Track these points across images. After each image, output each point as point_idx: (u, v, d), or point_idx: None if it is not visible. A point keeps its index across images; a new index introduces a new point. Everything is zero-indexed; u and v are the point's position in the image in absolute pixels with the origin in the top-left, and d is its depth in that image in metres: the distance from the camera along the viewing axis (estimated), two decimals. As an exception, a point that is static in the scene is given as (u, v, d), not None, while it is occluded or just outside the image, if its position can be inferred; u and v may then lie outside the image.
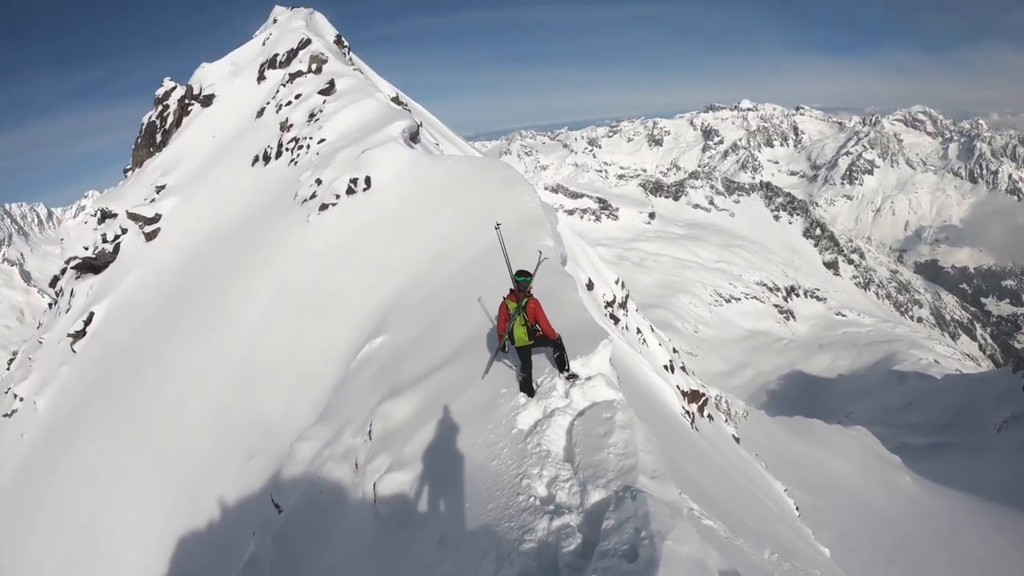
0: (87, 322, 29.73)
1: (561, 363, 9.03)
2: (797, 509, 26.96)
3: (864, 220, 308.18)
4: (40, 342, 33.29)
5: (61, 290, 37.42)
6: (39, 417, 25.49)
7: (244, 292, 22.48)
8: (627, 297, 29.62)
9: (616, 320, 26.56)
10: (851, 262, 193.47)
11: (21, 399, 28.87)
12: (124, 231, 34.65)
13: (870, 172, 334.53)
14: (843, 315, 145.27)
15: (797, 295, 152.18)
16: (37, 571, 17.38)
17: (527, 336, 8.79)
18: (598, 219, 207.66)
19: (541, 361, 9.43)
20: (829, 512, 30.15)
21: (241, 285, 23.04)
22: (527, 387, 8.93)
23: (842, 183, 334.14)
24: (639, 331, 29.25)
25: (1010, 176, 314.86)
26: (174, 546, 14.76)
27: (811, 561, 19.06)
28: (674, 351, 33.15)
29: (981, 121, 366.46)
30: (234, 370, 19.15)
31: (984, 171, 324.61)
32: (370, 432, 10.86)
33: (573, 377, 8.92)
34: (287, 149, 33.05)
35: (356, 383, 13.63)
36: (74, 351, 28.42)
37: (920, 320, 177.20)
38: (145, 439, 18.94)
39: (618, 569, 4.83)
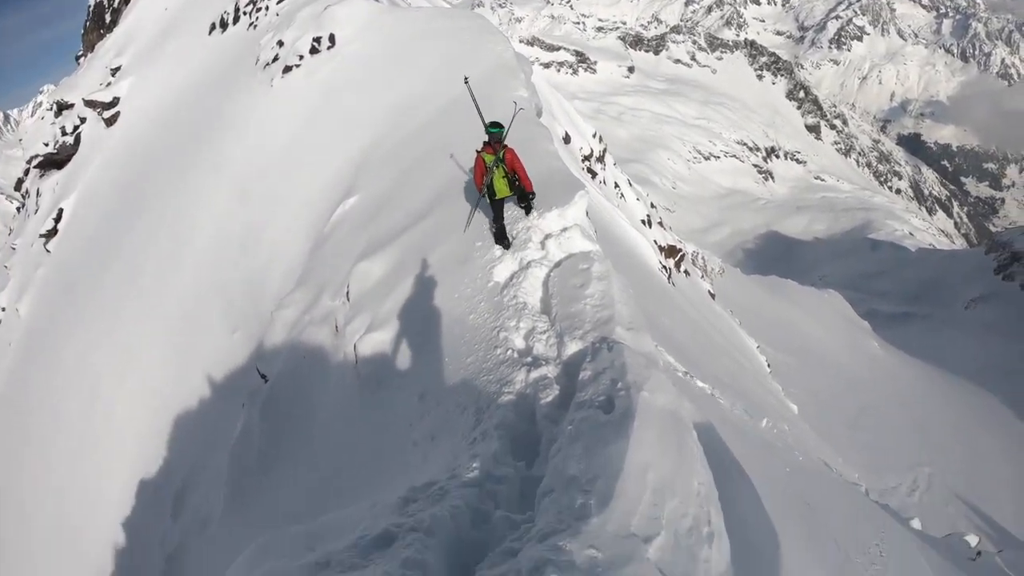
0: (57, 219, 28.63)
1: (527, 210, 8.91)
2: (768, 366, 27.59)
3: (849, 87, 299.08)
4: (13, 248, 32.12)
5: (27, 191, 35.78)
6: (23, 323, 24.95)
7: (212, 165, 21.54)
8: (604, 151, 28.82)
9: (593, 174, 25.97)
10: (833, 127, 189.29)
11: (3, 308, 28.24)
12: (83, 120, 32.79)
13: (859, 39, 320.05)
14: (822, 179, 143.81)
15: (777, 156, 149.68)
16: (39, 473, 17.47)
17: (508, 187, 8.50)
18: (575, 72, 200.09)
19: (516, 213, 9.05)
20: (798, 371, 30.90)
21: (208, 158, 22.05)
22: (502, 239, 8.67)
23: (829, 47, 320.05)
24: (616, 185, 28.70)
25: (1003, 60, 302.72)
26: (170, 427, 14.76)
27: (780, 417, 19.69)
28: (651, 206, 32.70)
29: (979, 0, 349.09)
30: (209, 244, 18.61)
31: (977, 51, 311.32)
32: (348, 293, 10.61)
33: (529, 209, 8.84)
34: (245, 13, 30.75)
35: (331, 245, 13.25)
36: (48, 251, 27.52)
37: (898, 191, 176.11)
38: (128, 328, 18.60)
39: (594, 420, 4.68)
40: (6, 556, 16.01)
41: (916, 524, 14.16)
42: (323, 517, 4.88)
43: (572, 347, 6.50)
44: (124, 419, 16.29)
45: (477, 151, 8.53)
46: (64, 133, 33.10)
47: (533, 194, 8.71)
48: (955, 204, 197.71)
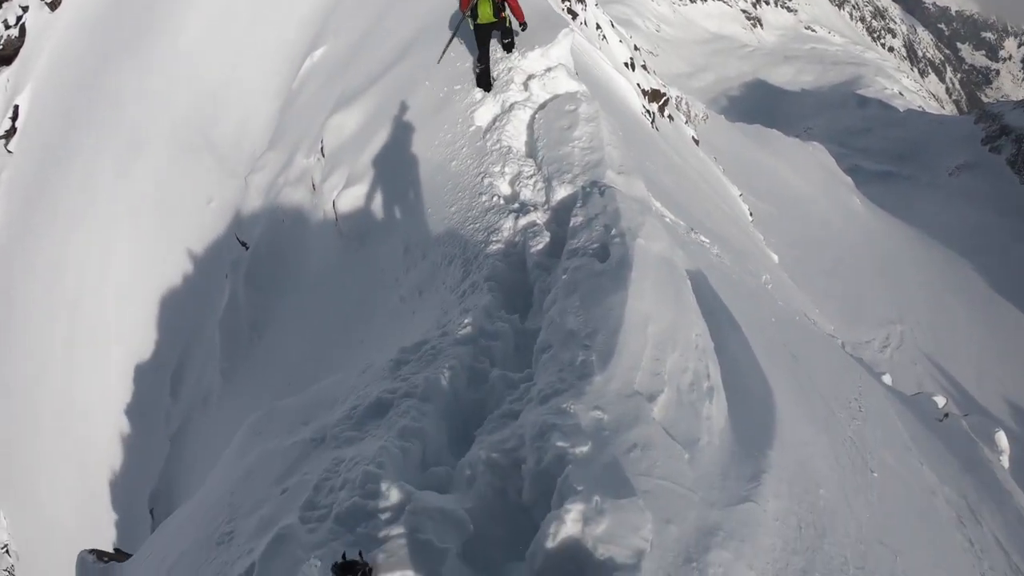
0: (14, 117, 26.59)
1: (508, 48, 8.19)
2: (751, 214, 27.11)
3: None
4: (-27, 156, 30.24)
5: (-23, 94, 33.35)
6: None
7: (170, 31, 19.62)
8: (586, -11, 26.78)
9: (574, 15, 24.19)
10: None
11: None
12: (25, 9, 29.85)
13: None
14: (813, 30, 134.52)
15: (767, 3, 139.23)
16: (37, 373, 16.94)
17: (492, 12, 7.59)
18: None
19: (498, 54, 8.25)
20: (779, 220, 30.31)
21: (166, 24, 20.11)
22: (484, 80, 7.98)
23: None
24: (598, 27, 26.85)
25: None
26: (158, 308, 14.16)
27: (763, 266, 19.43)
28: (635, 49, 30.88)
29: None
30: (176, 113, 17.27)
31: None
32: (322, 149, 9.93)
33: (511, 47, 8.18)
34: None
35: (301, 101, 12.32)
36: (9, 151, 25.55)
37: (891, 49, 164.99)
38: (103, 216, 17.43)
39: (589, 268, 4.27)
40: (16, 458, 16.00)
41: (887, 380, 14.26)
42: (314, 386, 4.55)
43: (561, 192, 6.02)
44: (112, 307, 15.67)
45: None
46: (7, 26, 30.50)
47: (525, 24, 7.94)
48: (948, 69, 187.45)
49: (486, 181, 6.57)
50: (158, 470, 11.79)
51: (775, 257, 24.78)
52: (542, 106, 7.55)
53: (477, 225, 6.04)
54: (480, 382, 3.72)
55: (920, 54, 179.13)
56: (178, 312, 13.60)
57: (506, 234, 5.64)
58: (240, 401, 9.59)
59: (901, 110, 77.64)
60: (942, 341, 27.16)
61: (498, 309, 4.52)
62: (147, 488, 11.89)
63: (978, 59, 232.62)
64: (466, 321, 4.13)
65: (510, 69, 8.07)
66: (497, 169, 6.66)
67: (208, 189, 14.68)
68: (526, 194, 6.21)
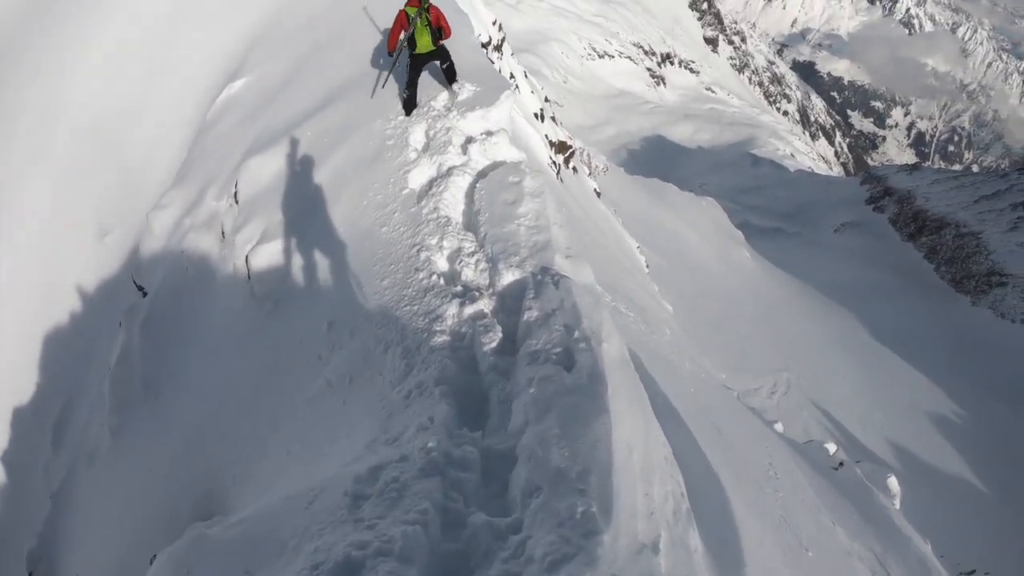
0: None
1: (451, 74, 8.06)
2: (647, 266, 27.48)
3: (753, 6, 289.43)
4: None
5: None
6: None
7: (78, 39, 17.81)
8: (503, 40, 26.76)
9: (490, 62, 24.13)
10: (731, 43, 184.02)
11: None
12: None
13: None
14: (713, 91, 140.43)
15: (671, 63, 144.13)
16: None
17: (431, 40, 7.66)
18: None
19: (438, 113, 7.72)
20: (672, 272, 30.60)
21: (73, 31, 18.26)
22: (410, 104, 7.87)
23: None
24: (512, 76, 26.95)
25: (908, 10, 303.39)
26: (40, 348, 12.20)
27: (660, 319, 19.53)
28: (546, 100, 31.06)
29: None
30: (77, 132, 15.47)
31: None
32: (236, 194, 8.97)
33: (452, 72, 8.11)
34: None
35: (215, 135, 11.17)
36: None
37: (786, 113, 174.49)
38: None
39: (559, 382, 3.74)
40: None
41: (779, 427, 14.36)
42: (248, 514, 3.73)
43: (508, 276, 5.47)
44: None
45: (401, 8, 7.63)
46: None
47: (446, 46, 7.95)
48: (838, 134, 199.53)
49: (423, 255, 5.95)
50: (37, 529, 10.15)
51: (669, 308, 25.02)
52: (482, 174, 7.05)
53: (416, 308, 5.39)
54: (456, 527, 3.05)
55: (812, 119, 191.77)
56: (62, 354, 11.92)
57: (450, 323, 5.02)
58: (132, 461, 8.39)
59: (791, 170, 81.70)
60: (826, 387, 28.04)
61: (459, 426, 3.88)
62: (24, 547, 10.20)
63: (866, 125, 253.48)
64: (429, 444, 3.44)
65: (448, 130, 7.56)
66: (434, 242, 6.06)
67: (104, 221, 13.12)
68: (468, 274, 5.63)
